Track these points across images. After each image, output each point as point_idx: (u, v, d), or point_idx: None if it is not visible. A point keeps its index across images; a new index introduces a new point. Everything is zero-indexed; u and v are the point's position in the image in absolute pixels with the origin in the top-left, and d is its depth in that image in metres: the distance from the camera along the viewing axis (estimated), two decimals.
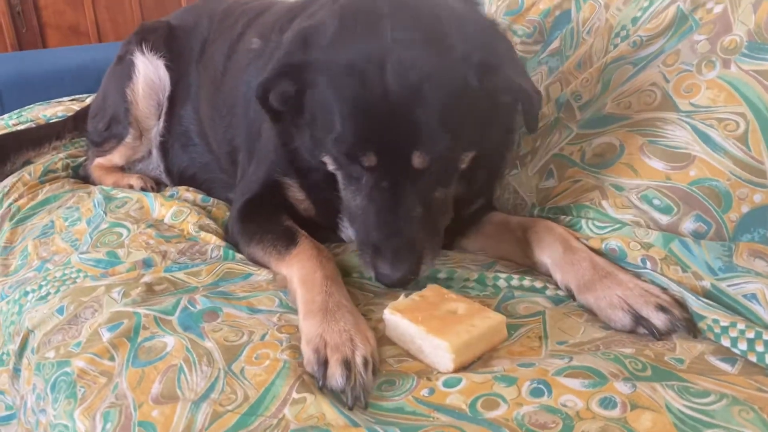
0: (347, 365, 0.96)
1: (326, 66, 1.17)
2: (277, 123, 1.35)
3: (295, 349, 1.08)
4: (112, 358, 1.10)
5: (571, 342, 1.08)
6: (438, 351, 1.01)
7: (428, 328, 1.02)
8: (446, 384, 0.98)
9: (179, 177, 2.09)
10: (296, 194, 1.46)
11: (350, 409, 0.93)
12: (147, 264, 1.44)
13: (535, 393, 0.94)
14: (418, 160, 1.14)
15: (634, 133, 1.35)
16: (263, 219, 1.44)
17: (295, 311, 1.22)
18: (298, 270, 1.25)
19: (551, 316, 1.16)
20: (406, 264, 1.14)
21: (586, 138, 1.45)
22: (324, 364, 0.98)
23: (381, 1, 1.22)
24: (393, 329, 1.10)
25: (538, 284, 1.28)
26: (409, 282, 1.17)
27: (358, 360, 0.97)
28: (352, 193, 1.25)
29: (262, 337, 1.11)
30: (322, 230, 1.46)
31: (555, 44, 1.81)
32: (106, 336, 1.16)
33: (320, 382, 0.97)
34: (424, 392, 0.96)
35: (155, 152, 2.16)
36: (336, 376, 0.95)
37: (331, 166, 1.28)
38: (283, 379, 1.00)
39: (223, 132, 1.84)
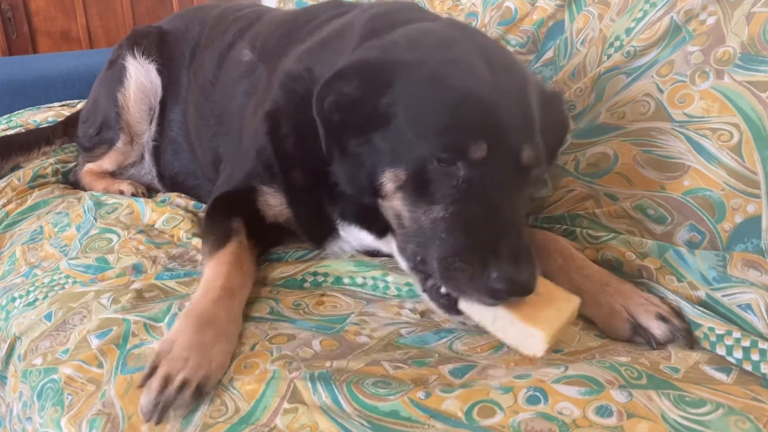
0: (167, 380, 0.97)
1: (415, 63, 1.13)
2: (328, 134, 1.19)
3: (287, 359, 1.06)
4: (100, 365, 1.09)
5: (566, 350, 1.08)
6: (531, 339, 1.01)
7: (519, 314, 1.01)
8: (443, 390, 0.97)
9: (171, 182, 2.06)
10: (269, 200, 1.42)
11: (147, 420, 0.96)
12: (137, 270, 1.42)
13: (532, 400, 0.93)
14: (527, 155, 1.09)
15: (628, 143, 1.35)
16: (221, 219, 1.41)
17: (288, 319, 1.21)
18: (208, 272, 1.24)
19: None
20: (530, 265, 1.01)
21: (580, 148, 1.45)
22: (154, 368, 1.00)
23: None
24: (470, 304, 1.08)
25: None
26: (533, 288, 1.01)
27: (177, 379, 0.97)
28: (428, 205, 1.10)
29: (252, 347, 1.09)
30: (295, 238, 1.46)
31: (549, 54, 1.81)
32: (94, 343, 1.14)
33: (141, 383, 0.99)
34: (420, 395, 0.94)
35: (148, 157, 2.12)
36: (151, 386, 0.97)
37: (390, 184, 1.14)
38: (274, 389, 0.98)
39: (209, 140, 1.81)
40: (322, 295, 1.29)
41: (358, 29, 1.32)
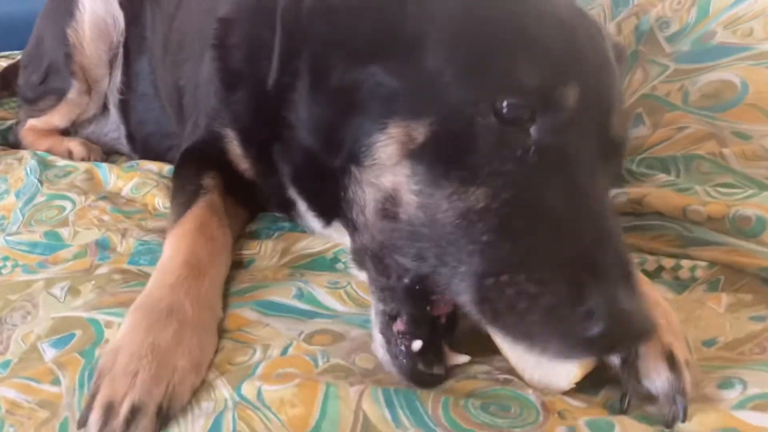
0: (110, 408, 0.74)
1: None
2: (309, 50, 0.89)
3: (341, 371, 0.76)
4: (56, 382, 0.84)
5: (721, 341, 0.82)
6: (563, 369, 0.71)
7: None
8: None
9: (143, 145, 1.83)
10: (236, 149, 1.12)
11: None
12: (102, 246, 1.16)
13: None
14: (617, 119, 0.80)
15: (762, 67, 1.12)
16: (190, 177, 1.16)
17: (327, 309, 0.91)
18: (166, 248, 0.99)
19: (680, 307, 0.88)
20: (636, 288, 0.67)
21: (688, 75, 1.21)
22: (94, 396, 0.76)
23: None
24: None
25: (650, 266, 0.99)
26: (653, 330, 0.67)
27: (124, 406, 0.73)
28: (461, 185, 0.74)
29: (285, 351, 0.82)
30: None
31: None
32: (48, 353, 0.89)
33: (79, 421, 0.75)
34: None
35: (114, 112, 1.87)
36: (91, 420, 0.73)
37: (394, 147, 0.79)
38: (334, 418, 0.68)
39: (170, 74, 1.56)
40: None
41: None
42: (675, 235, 1.02)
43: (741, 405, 0.67)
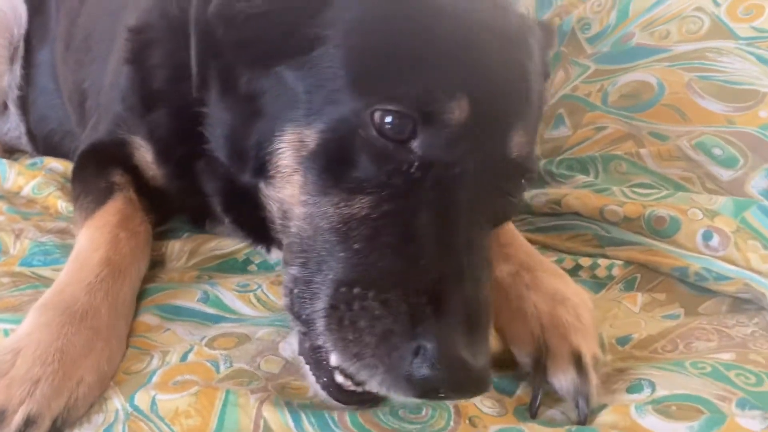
0: (1, 415, 0.66)
1: None
2: (205, 51, 0.82)
3: (244, 376, 0.70)
4: None
5: (635, 338, 0.81)
6: None
7: None
8: None
9: (44, 143, 1.67)
10: (145, 156, 1.04)
11: None
12: None
13: None
14: (518, 139, 0.72)
15: (677, 68, 1.13)
16: (96, 173, 1.06)
17: (234, 312, 0.85)
18: (82, 241, 0.90)
19: (597, 307, 0.86)
20: (487, 345, 0.62)
21: (607, 75, 1.21)
22: None
23: None
24: None
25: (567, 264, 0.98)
26: (488, 385, 0.61)
27: (17, 417, 0.66)
28: (348, 195, 0.70)
29: (184, 357, 0.75)
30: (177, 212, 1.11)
31: None
32: None
33: None
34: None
35: (13, 109, 1.70)
36: None
37: (289, 154, 0.75)
38: (234, 420, 0.63)
39: (73, 75, 1.42)
40: (279, 275, 0.93)
41: None
42: (592, 234, 1.01)
43: (645, 409, 0.65)
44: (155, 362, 0.74)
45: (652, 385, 0.69)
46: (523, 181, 0.77)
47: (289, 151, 0.74)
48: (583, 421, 0.67)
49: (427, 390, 0.57)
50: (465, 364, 0.56)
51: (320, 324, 0.64)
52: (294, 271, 0.71)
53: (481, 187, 0.69)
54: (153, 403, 0.66)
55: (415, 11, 0.72)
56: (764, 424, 0.62)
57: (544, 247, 1.04)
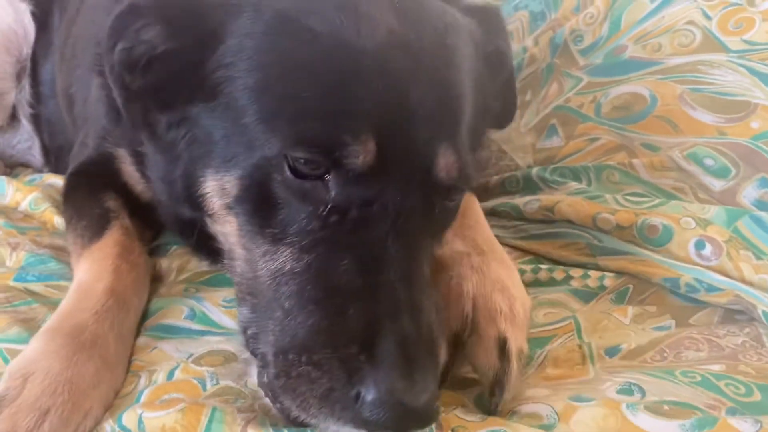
0: None
1: (256, 5, 0.73)
2: (129, 104, 0.80)
3: (230, 394, 0.71)
4: None
5: (624, 348, 0.81)
6: None
7: None
8: None
9: (56, 159, 1.66)
10: (129, 169, 1.04)
11: None
12: None
13: None
14: (445, 164, 0.70)
15: (669, 81, 1.12)
16: (88, 197, 1.06)
17: (221, 328, 0.85)
18: (84, 270, 0.89)
19: (586, 318, 0.88)
20: (432, 375, 0.62)
21: (600, 87, 1.20)
22: None
23: None
24: None
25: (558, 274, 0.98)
26: (433, 417, 0.61)
27: None
28: (272, 244, 0.70)
29: (170, 375, 0.76)
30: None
31: None
32: None
33: None
34: None
35: (26, 125, 1.70)
36: None
37: (216, 200, 0.75)
38: None
39: (63, 79, 1.43)
40: None
41: None
42: (585, 243, 1.01)
43: (637, 407, 0.65)
44: (143, 382, 0.75)
45: (642, 391, 0.68)
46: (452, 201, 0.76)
47: (215, 197, 0.74)
48: (494, 410, 0.67)
49: (377, 429, 0.59)
50: (403, 406, 0.57)
51: (271, 377, 0.65)
52: (245, 311, 0.72)
53: (408, 215, 0.67)
54: (140, 421, 0.66)
55: (306, 41, 0.69)
56: (756, 427, 0.61)
57: (537, 255, 1.03)
